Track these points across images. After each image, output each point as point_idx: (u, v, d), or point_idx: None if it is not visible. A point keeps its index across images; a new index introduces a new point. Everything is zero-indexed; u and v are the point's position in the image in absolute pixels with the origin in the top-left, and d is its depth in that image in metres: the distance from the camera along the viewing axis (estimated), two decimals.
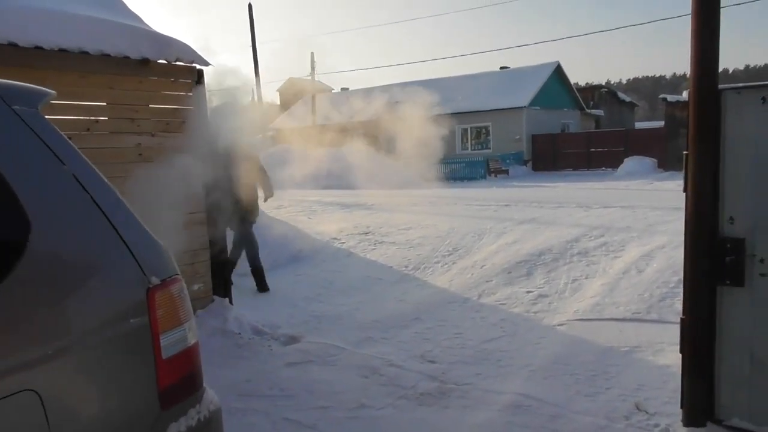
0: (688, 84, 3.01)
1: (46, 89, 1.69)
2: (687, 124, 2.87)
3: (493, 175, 25.46)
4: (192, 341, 1.71)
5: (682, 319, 2.96)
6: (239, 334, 4.74)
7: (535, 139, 28.24)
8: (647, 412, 3.21)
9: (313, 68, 34.83)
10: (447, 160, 26.27)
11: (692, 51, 2.80)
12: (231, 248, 5.99)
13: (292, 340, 4.66)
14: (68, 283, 1.46)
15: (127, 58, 4.19)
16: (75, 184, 1.55)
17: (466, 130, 29.56)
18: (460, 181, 24.54)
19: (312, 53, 35.26)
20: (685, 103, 21.87)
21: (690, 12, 2.82)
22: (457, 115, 28.79)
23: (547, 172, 26.49)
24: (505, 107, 27.63)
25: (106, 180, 1.65)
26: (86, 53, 3.96)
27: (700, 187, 2.81)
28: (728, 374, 2.83)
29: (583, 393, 3.49)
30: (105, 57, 4.08)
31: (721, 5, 2.79)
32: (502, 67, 32.89)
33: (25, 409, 1.30)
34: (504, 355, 4.18)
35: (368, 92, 34.33)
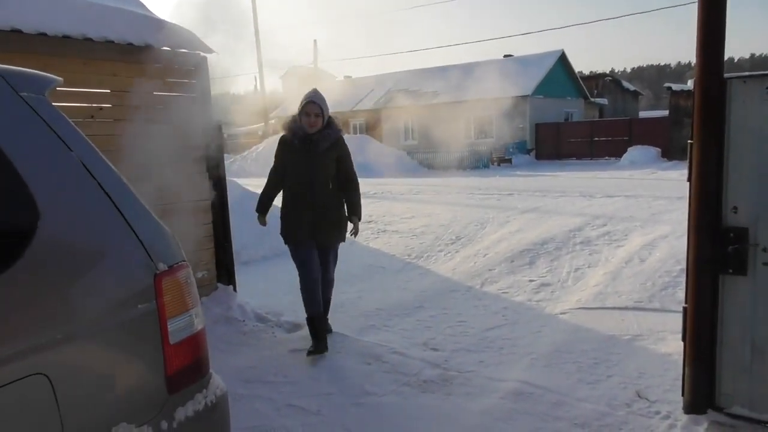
0: (693, 73, 3.00)
1: (53, 76, 1.69)
2: (691, 113, 2.87)
3: (496, 163, 25.43)
4: (199, 327, 1.73)
5: (684, 307, 2.97)
6: (243, 321, 4.78)
7: (539, 128, 28.17)
8: (648, 400, 3.23)
9: (316, 56, 34.77)
10: (450, 149, 26.27)
11: (698, 39, 2.78)
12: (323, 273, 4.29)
13: (296, 327, 4.69)
14: (77, 268, 1.47)
15: (130, 44, 4.18)
16: (82, 170, 1.56)
17: (469, 118, 29.46)
18: (464, 169, 24.50)
19: (315, 41, 35.16)
20: (689, 92, 21.77)
21: (696, 0, 2.80)
22: (460, 103, 28.72)
23: (551, 161, 26.44)
24: (509, 96, 27.51)
25: (112, 166, 1.65)
26: (90, 40, 3.96)
27: (704, 177, 2.80)
28: (729, 363, 2.85)
29: (585, 381, 3.52)
30: (108, 43, 4.07)
31: None
32: (505, 56, 32.72)
33: (35, 393, 1.32)
34: (506, 343, 4.21)
35: (372, 81, 34.27)
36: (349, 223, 4.34)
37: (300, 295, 4.20)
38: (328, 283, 4.39)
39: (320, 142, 4.02)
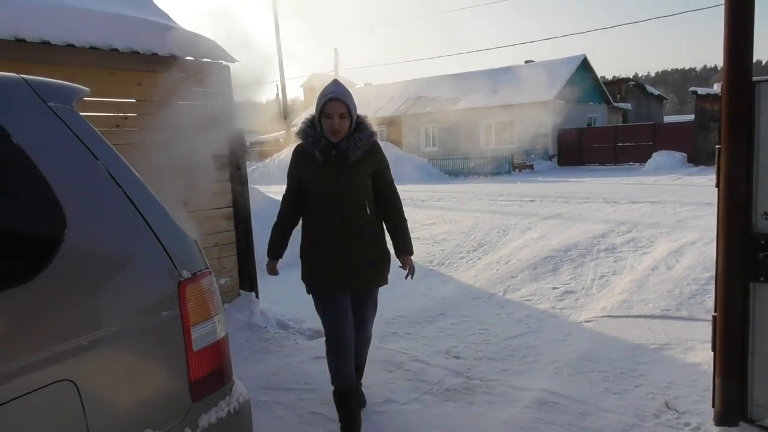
0: (719, 76, 2.95)
1: (81, 86, 1.72)
2: (718, 117, 2.81)
3: (517, 170, 25.27)
4: (221, 334, 1.73)
5: (713, 316, 2.90)
6: (265, 328, 4.79)
7: (561, 134, 27.93)
8: (677, 411, 3.16)
9: (337, 64, 35.03)
10: (471, 155, 26.20)
11: (725, 42, 2.73)
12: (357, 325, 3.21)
13: (317, 334, 4.69)
14: (102, 276, 1.49)
15: (155, 55, 4.25)
16: (108, 179, 1.58)
17: (490, 125, 29.36)
18: (485, 176, 24.40)
19: (336, 49, 35.44)
20: (715, 96, 21.44)
21: (722, 2, 2.75)
22: (481, 109, 28.63)
23: (573, 167, 26.20)
24: (531, 101, 27.35)
25: (137, 175, 1.67)
26: (116, 50, 4.03)
27: (732, 182, 2.74)
28: (761, 373, 2.77)
29: (611, 390, 3.45)
30: (134, 54, 4.14)
31: None
32: (527, 61, 32.55)
33: (62, 399, 1.34)
34: (530, 352, 4.15)
35: (392, 88, 34.40)
36: (387, 260, 3.20)
37: None
38: (363, 341, 3.33)
39: (350, 150, 2.96)
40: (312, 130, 3.04)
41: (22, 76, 1.60)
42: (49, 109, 1.56)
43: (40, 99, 1.56)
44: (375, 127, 3.16)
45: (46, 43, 3.67)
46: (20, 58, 3.60)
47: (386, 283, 3.25)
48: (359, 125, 3.04)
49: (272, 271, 3.32)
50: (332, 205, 3.00)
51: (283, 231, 3.24)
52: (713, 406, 2.94)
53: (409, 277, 3.26)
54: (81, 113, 1.67)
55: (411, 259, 3.25)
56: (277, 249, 3.27)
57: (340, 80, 3.10)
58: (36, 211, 1.47)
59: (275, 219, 3.27)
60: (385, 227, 3.20)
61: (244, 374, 3.64)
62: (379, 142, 3.15)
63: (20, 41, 3.56)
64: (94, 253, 1.49)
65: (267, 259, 3.30)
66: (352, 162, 2.99)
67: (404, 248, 3.22)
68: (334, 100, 2.94)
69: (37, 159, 1.46)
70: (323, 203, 3.02)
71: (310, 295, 3.18)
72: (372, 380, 3.75)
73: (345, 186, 2.99)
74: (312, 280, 3.12)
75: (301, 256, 3.16)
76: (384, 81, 34.85)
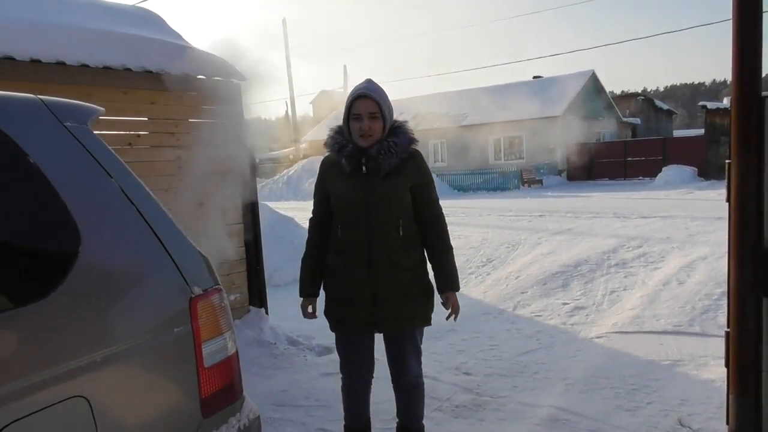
0: (728, 91, 2.95)
1: (96, 106, 1.76)
2: (728, 131, 2.81)
3: (526, 185, 25.24)
4: (232, 350, 1.74)
5: (726, 332, 2.87)
6: (275, 344, 4.79)
7: (570, 149, 27.89)
8: (691, 428, 3.12)
9: (346, 81, 35.33)
10: (480, 171, 26.24)
11: (733, 57, 2.74)
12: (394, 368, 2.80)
13: (327, 350, 4.68)
14: (116, 292, 1.51)
15: (167, 74, 4.31)
16: (122, 197, 1.60)
17: (498, 140, 29.40)
18: (494, 191, 24.39)
19: (345, 66, 35.75)
20: (725, 110, 21.37)
21: (730, 17, 2.76)
22: (489, 125, 28.69)
23: (583, 182, 26.14)
24: (539, 117, 27.37)
25: (150, 192, 1.70)
26: (129, 70, 4.10)
27: (744, 196, 2.73)
28: None
29: (623, 407, 3.42)
30: (147, 73, 4.21)
31: (764, 9, 2.72)
32: (535, 77, 32.64)
33: (75, 415, 1.35)
34: (540, 368, 4.12)
35: (400, 104, 34.58)
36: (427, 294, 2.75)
37: None
38: (410, 386, 2.78)
39: (382, 158, 2.50)
40: (339, 136, 2.61)
41: (38, 96, 1.63)
42: (65, 129, 1.59)
43: (56, 119, 1.59)
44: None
45: (60, 64, 3.74)
46: (36, 79, 3.67)
47: (427, 323, 2.76)
48: (397, 130, 2.58)
49: (308, 313, 2.85)
50: (357, 224, 2.55)
51: (314, 262, 2.75)
52: (727, 423, 2.89)
53: (453, 317, 2.75)
54: (95, 131, 1.70)
55: (455, 297, 2.74)
56: (309, 284, 2.78)
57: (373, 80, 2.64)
58: (51, 229, 1.49)
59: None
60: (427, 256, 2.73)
61: (253, 390, 3.63)
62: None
63: (35, 62, 3.63)
64: (107, 270, 1.51)
65: (300, 298, 2.84)
66: (385, 172, 2.52)
67: (446, 282, 2.72)
68: (363, 97, 2.50)
69: (53, 177, 1.48)
70: (347, 222, 2.58)
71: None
72: (380, 397, 3.73)
73: (374, 200, 2.53)
74: (330, 315, 2.74)
75: (324, 287, 2.79)
76: (391, 97, 34.99)
